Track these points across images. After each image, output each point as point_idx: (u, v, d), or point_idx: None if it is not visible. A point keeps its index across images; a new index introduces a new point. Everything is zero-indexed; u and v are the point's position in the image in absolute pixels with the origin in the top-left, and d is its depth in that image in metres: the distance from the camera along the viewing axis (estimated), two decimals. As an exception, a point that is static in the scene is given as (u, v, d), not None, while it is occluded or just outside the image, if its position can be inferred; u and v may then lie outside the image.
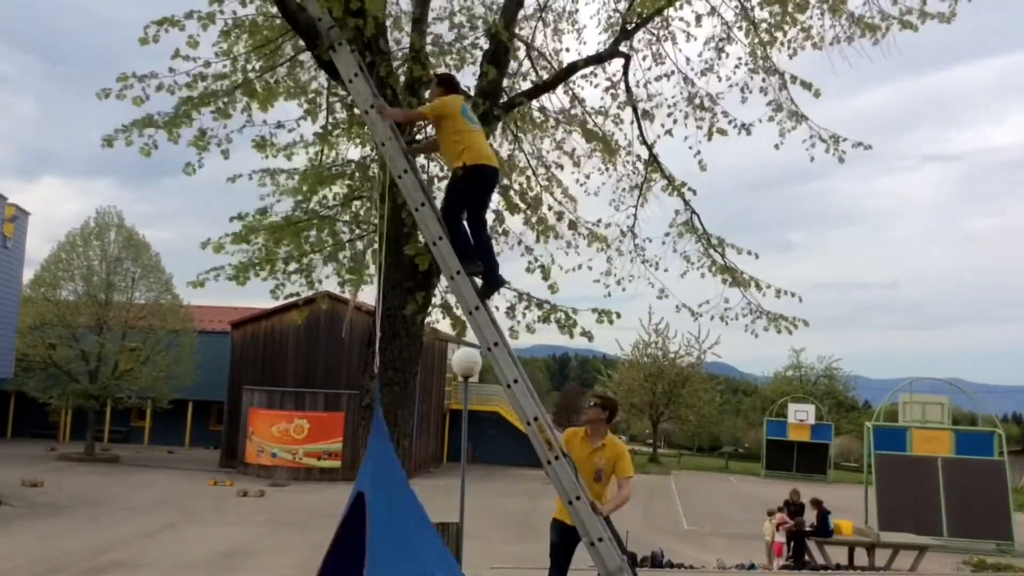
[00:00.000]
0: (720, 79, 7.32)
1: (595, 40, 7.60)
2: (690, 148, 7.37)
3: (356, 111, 6.09)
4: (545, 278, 6.32)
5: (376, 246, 6.48)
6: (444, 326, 6.72)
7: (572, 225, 7.03)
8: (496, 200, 6.75)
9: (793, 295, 7.17)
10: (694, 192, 7.59)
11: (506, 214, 6.68)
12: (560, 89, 7.24)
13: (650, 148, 7.64)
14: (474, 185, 5.01)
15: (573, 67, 7.08)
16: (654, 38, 7.48)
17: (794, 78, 6.93)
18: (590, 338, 6.29)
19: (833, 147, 7.01)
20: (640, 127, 7.57)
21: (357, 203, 6.84)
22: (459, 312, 5.87)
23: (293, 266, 6.38)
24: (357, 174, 6.67)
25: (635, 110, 7.55)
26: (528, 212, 6.67)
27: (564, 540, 5.62)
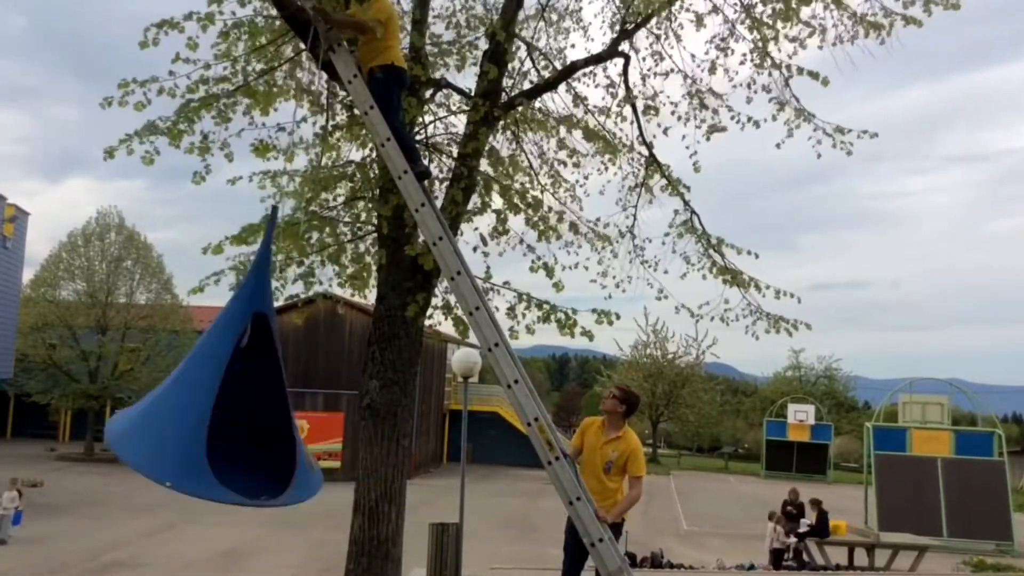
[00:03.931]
0: (727, 71, 7.29)
1: (600, 38, 7.58)
2: (687, 148, 7.38)
3: (356, 112, 6.10)
4: (549, 276, 6.33)
5: (378, 247, 6.49)
6: (446, 327, 6.72)
7: (573, 226, 7.03)
8: (498, 200, 6.77)
9: (792, 296, 7.16)
10: (688, 189, 7.59)
11: (508, 213, 6.68)
12: (562, 88, 7.24)
13: (650, 148, 7.65)
14: (399, 87, 5.39)
15: (573, 67, 7.08)
16: (655, 38, 7.48)
17: (800, 70, 6.90)
18: (590, 338, 6.29)
19: (838, 141, 6.98)
20: (640, 127, 7.58)
21: (359, 204, 6.84)
22: (459, 312, 5.87)
23: (294, 268, 6.37)
24: (357, 175, 6.67)
25: (635, 109, 7.55)
26: (529, 212, 6.67)
27: (580, 539, 5.60)
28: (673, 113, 7.48)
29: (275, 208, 5.01)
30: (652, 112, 7.48)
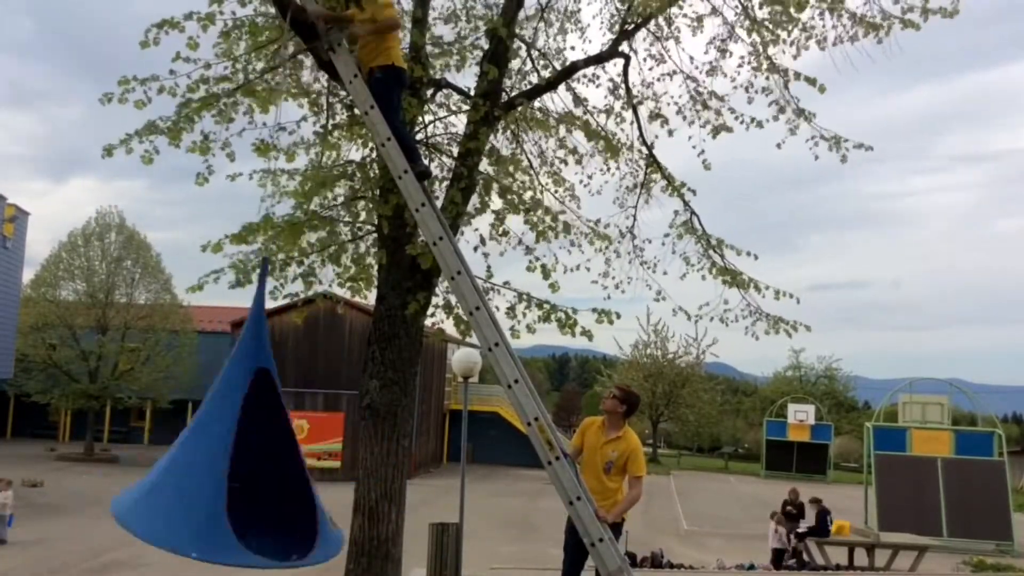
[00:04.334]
0: (726, 75, 7.30)
1: (599, 39, 7.57)
2: (694, 147, 7.38)
3: (356, 112, 6.10)
4: (545, 277, 6.33)
5: (378, 247, 6.49)
6: (448, 326, 6.72)
7: (569, 226, 7.02)
8: (498, 202, 6.77)
9: (791, 296, 7.15)
10: (694, 192, 7.59)
11: (507, 213, 6.68)
12: (562, 88, 7.24)
13: (650, 148, 7.65)
14: (399, 87, 5.42)
15: (574, 67, 7.08)
16: (655, 38, 7.48)
17: (797, 75, 6.92)
18: (590, 337, 6.28)
19: (834, 147, 7.00)
20: (640, 127, 7.58)
21: (360, 204, 6.84)
22: (460, 311, 5.87)
23: (293, 267, 6.37)
24: (358, 175, 6.67)
25: (635, 110, 7.55)
26: (529, 212, 6.67)
27: (580, 539, 5.59)
28: (678, 113, 7.48)
29: (266, 260, 4.95)
30: (658, 118, 7.47)
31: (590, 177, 7.76)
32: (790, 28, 6.82)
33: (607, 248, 7.29)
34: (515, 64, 7.24)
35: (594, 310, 6.09)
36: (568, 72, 7.08)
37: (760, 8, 6.86)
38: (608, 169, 7.69)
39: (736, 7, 7.12)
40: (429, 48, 6.75)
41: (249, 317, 4.31)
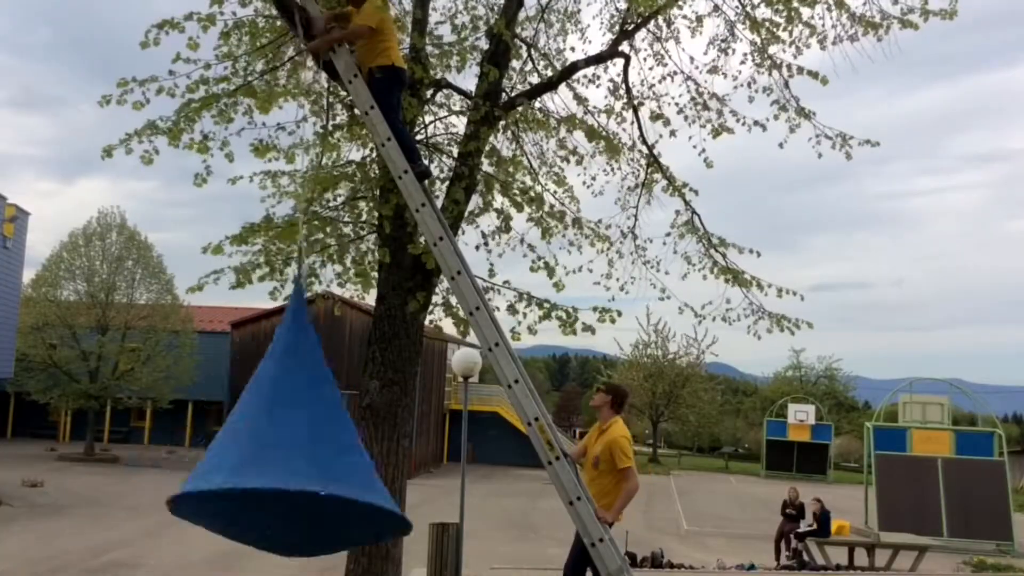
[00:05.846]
0: (725, 76, 7.31)
1: (599, 39, 7.57)
2: (694, 147, 7.38)
3: (356, 112, 6.09)
4: (550, 276, 6.32)
5: (379, 246, 6.49)
6: (447, 324, 6.72)
7: (576, 222, 7.02)
8: (500, 200, 6.77)
9: (794, 294, 7.15)
10: (695, 193, 7.59)
11: (512, 211, 6.68)
12: (563, 88, 7.24)
13: (650, 148, 7.64)
14: (399, 87, 5.44)
15: (574, 67, 7.08)
16: (655, 38, 7.48)
17: (801, 69, 6.92)
18: (592, 332, 6.22)
19: (840, 144, 7.00)
20: (640, 127, 7.57)
21: (361, 204, 6.84)
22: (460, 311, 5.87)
23: (293, 267, 6.37)
24: (358, 175, 6.67)
25: (635, 110, 7.55)
26: (532, 209, 6.67)
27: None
28: (680, 113, 7.48)
29: (298, 282, 4.61)
30: (659, 119, 7.47)
31: (593, 178, 7.76)
32: (791, 28, 6.83)
33: (608, 249, 7.28)
34: (515, 64, 7.24)
35: (595, 308, 6.08)
36: (568, 72, 7.07)
37: (761, 7, 6.86)
38: (611, 170, 7.69)
39: (736, 7, 7.12)
40: (429, 48, 6.75)
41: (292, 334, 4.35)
